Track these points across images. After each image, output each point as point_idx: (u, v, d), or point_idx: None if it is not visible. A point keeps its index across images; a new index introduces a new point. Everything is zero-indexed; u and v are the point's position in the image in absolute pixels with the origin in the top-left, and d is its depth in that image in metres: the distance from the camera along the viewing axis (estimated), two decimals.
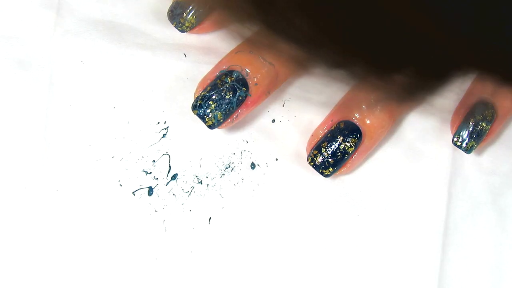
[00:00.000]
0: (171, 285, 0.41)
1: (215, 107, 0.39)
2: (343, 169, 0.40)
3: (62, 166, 0.42)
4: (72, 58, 0.43)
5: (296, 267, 0.42)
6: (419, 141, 0.43)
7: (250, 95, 0.39)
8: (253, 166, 0.42)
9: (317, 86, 0.43)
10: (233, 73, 0.39)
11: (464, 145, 0.40)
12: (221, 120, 0.39)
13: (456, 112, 0.41)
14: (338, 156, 0.39)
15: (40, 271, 0.41)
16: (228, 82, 0.39)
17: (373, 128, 0.39)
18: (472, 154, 0.43)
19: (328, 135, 0.40)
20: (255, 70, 0.39)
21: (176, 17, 0.41)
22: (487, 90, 0.40)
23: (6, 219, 0.41)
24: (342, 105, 0.40)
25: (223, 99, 0.39)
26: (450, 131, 0.43)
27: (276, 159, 0.42)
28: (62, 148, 0.42)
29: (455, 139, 0.40)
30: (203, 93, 0.39)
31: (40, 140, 0.42)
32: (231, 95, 0.39)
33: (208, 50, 0.44)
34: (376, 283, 0.42)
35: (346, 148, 0.39)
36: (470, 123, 0.40)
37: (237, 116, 0.40)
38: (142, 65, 0.43)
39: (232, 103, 0.39)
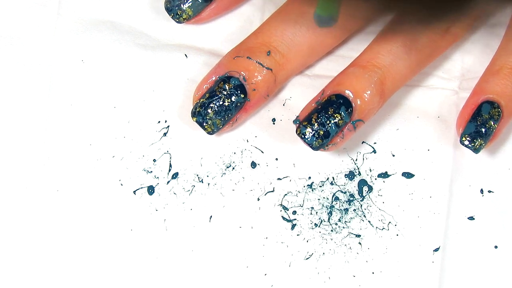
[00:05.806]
0: (172, 284, 0.41)
1: (213, 114, 0.39)
2: (331, 146, 0.39)
3: (63, 166, 0.42)
4: (73, 58, 0.43)
5: (296, 266, 0.41)
6: (420, 141, 0.43)
7: (249, 100, 0.40)
8: (253, 165, 0.42)
9: (318, 85, 0.43)
10: (231, 80, 0.39)
11: (472, 144, 0.40)
12: (220, 126, 0.40)
13: (462, 112, 0.41)
14: (328, 127, 0.38)
15: (40, 270, 0.41)
16: (226, 89, 0.39)
17: (364, 105, 0.38)
18: (473, 154, 0.43)
19: (319, 107, 0.39)
20: (253, 75, 0.39)
21: (173, 8, 0.41)
22: (493, 90, 0.40)
23: (7, 219, 0.41)
24: (334, 81, 0.40)
25: (221, 106, 0.39)
26: (450, 131, 0.43)
27: (276, 159, 0.42)
28: (63, 147, 0.42)
29: (463, 138, 0.40)
30: (202, 100, 0.39)
31: (41, 140, 0.42)
32: (229, 102, 0.39)
33: (209, 50, 0.44)
34: (377, 283, 0.42)
35: (337, 120, 0.38)
36: (478, 122, 0.39)
37: (236, 120, 0.40)
38: (143, 65, 0.43)
39: (230, 110, 0.39)
